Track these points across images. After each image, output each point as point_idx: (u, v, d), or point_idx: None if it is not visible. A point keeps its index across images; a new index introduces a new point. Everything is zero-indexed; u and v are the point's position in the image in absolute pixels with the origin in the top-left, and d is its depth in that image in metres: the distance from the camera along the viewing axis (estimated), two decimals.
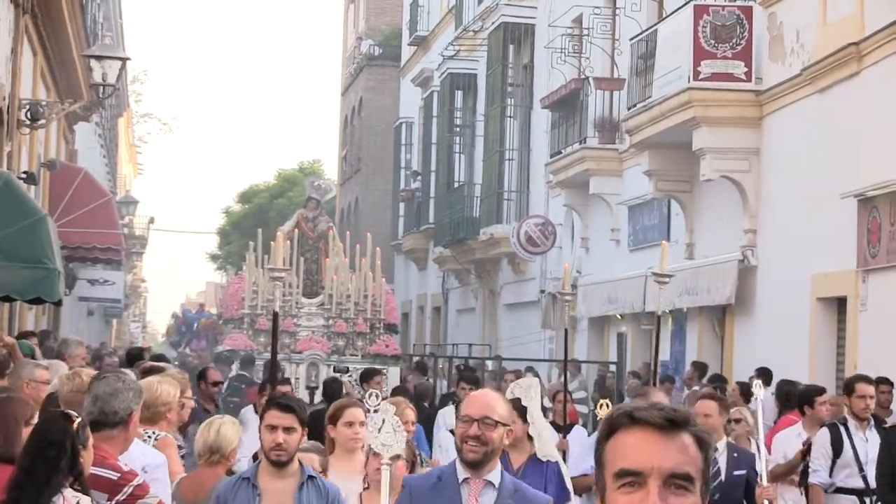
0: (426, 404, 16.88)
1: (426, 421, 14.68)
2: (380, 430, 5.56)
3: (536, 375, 20.33)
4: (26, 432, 6.31)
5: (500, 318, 32.41)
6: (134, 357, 21.04)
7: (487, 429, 5.73)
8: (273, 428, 6.75)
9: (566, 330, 12.20)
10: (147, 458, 6.97)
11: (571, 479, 9.31)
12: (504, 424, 5.81)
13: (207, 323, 47.40)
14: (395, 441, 5.70)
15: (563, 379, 14.29)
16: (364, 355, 20.51)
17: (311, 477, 6.80)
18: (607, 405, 8.79)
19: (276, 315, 9.98)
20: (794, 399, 13.70)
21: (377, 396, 8.26)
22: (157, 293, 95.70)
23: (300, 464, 6.86)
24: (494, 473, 5.82)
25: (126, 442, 6.57)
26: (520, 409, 8.21)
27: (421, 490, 5.80)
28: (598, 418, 8.93)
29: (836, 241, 16.16)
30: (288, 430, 6.74)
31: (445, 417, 14.26)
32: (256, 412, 13.17)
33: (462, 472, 5.76)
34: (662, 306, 10.57)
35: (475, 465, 5.73)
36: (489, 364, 26.46)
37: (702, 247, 20.79)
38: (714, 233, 20.31)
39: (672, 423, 2.83)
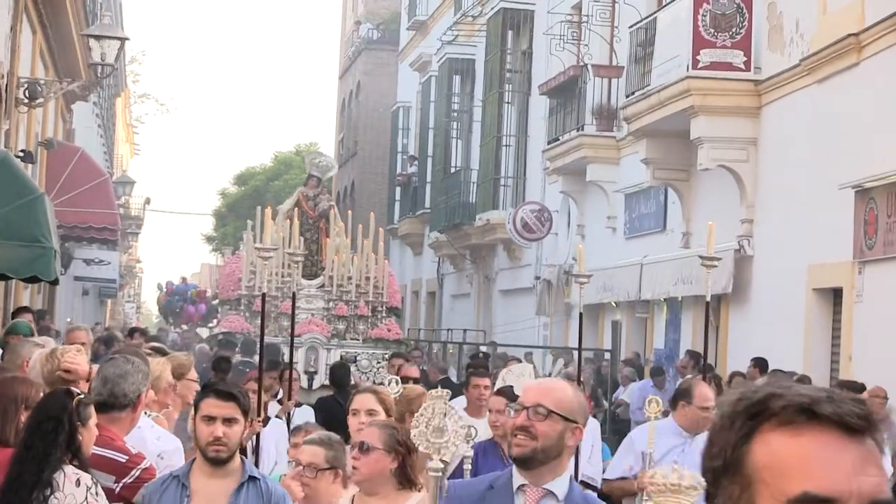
0: None
1: None
2: (428, 423, 4.49)
3: (531, 362, 20.19)
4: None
5: (494, 304, 32.43)
6: (106, 341, 20.89)
7: (538, 418, 4.65)
8: (210, 419, 5.83)
9: (580, 314, 11.57)
10: (163, 443, 6.91)
11: (608, 481, 8.94)
12: (567, 419, 4.66)
13: (200, 291, 47.30)
14: (451, 438, 4.60)
15: (568, 367, 14.11)
16: (365, 339, 19.84)
17: (252, 478, 5.91)
18: (657, 402, 8.04)
19: (263, 296, 9.87)
20: None
21: (397, 383, 7.55)
22: (152, 273, 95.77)
23: (242, 461, 6.00)
24: (560, 482, 4.72)
25: (132, 423, 6.56)
26: (512, 397, 7.81)
27: (467, 499, 4.79)
28: (646, 416, 8.28)
29: (832, 231, 16.17)
30: (229, 421, 5.83)
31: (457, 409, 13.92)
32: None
33: (518, 478, 4.69)
34: (711, 290, 10.25)
35: (525, 464, 4.67)
36: (483, 350, 26.45)
37: (698, 236, 20.78)
38: (711, 222, 20.28)
39: (867, 424, 1.98)
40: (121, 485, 6.14)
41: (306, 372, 18.50)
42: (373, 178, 46.17)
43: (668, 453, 8.56)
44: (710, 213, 20.32)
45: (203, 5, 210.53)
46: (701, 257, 9.81)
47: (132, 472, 6.17)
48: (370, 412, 6.97)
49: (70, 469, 5.61)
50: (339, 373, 14.56)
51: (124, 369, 6.55)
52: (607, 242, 24.71)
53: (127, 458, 6.21)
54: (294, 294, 9.61)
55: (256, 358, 18.98)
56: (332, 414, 11.51)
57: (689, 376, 17.89)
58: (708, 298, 10.24)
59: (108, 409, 6.30)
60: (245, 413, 5.94)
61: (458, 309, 35.86)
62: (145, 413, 7.47)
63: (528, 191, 29.78)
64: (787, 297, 17.56)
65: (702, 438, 8.70)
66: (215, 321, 34.76)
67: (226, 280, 20.96)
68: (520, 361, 16.34)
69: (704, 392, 8.74)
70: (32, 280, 12.63)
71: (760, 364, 16.51)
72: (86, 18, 21.68)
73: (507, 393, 8.66)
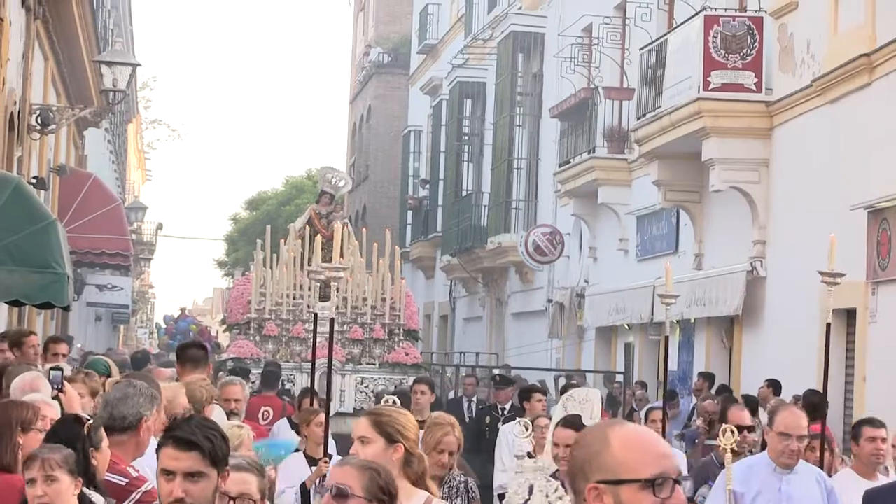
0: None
1: None
2: None
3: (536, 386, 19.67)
4: (27, 437, 6.35)
5: (507, 326, 32.39)
6: (139, 362, 20.71)
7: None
8: (168, 474, 4.59)
9: (666, 337, 10.66)
10: None
11: None
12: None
13: (202, 329, 47.08)
14: None
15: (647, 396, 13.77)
16: (382, 364, 18.80)
17: None
18: (732, 431, 7.23)
19: (332, 322, 9.24)
20: (821, 409, 13.56)
21: (395, 403, 6.23)
22: (164, 299, 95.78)
23: None
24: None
25: (138, 447, 6.55)
26: (581, 427, 6.94)
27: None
28: (718, 448, 7.61)
29: (845, 252, 16.08)
30: (191, 476, 4.58)
31: (508, 436, 12.77)
32: (292, 426, 12.32)
33: None
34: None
35: None
36: (497, 373, 26.37)
37: (710, 257, 20.76)
38: (723, 243, 20.28)
39: None
40: None
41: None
42: (384, 201, 46.20)
43: (760, 494, 7.62)
44: (722, 234, 20.32)
45: (214, 31, 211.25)
46: (822, 273, 9.09)
47: (132, 496, 6.17)
48: (362, 439, 5.80)
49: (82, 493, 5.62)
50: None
51: (125, 392, 6.55)
52: (619, 264, 24.68)
53: (127, 481, 6.22)
54: (322, 316, 9.24)
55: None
56: None
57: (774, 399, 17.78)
58: (829, 319, 9.56)
59: (109, 433, 6.30)
60: (216, 463, 4.63)
61: (471, 332, 35.82)
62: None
63: (540, 214, 29.78)
64: (800, 318, 17.50)
65: (805, 472, 7.70)
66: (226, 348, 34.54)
67: (234, 303, 19.92)
68: (576, 385, 15.54)
69: (796, 414, 7.77)
70: (46, 306, 12.65)
71: (774, 385, 16.46)
72: (97, 45, 21.75)
73: (576, 423, 7.40)
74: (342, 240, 19.86)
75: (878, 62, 15.63)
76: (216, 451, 4.60)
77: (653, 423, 11.01)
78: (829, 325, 9.60)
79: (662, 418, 11.34)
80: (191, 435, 4.58)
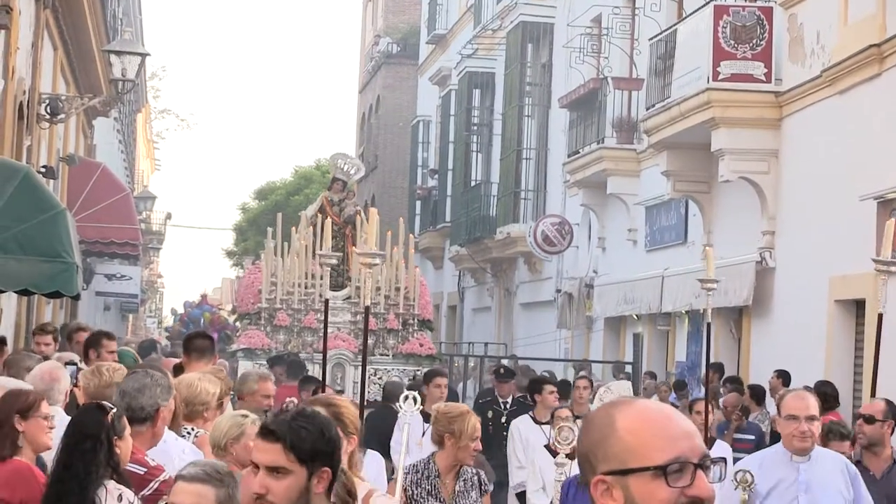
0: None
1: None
2: None
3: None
4: (28, 424, 6.39)
5: (515, 317, 32.39)
6: (146, 351, 20.74)
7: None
8: (255, 467, 4.20)
9: (708, 325, 10.41)
10: (188, 457, 6.93)
11: None
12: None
13: (214, 318, 47.07)
14: None
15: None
16: (395, 355, 18.58)
17: None
18: (751, 475, 7.04)
19: (368, 310, 9.23)
20: (833, 401, 13.55)
21: (415, 400, 5.97)
22: (173, 288, 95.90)
23: None
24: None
25: (154, 437, 6.60)
26: None
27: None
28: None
29: (854, 243, 16.09)
30: (274, 471, 4.14)
31: (520, 429, 12.60)
32: None
33: None
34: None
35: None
36: (505, 363, 26.37)
37: (719, 248, 20.68)
38: (732, 234, 20.26)
39: None
40: (139, 497, 6.18)
41: (333, 390, 17.42)
42: (393, 192, 46.20)
43: (776, 486, 7.42)
44: (731, 225, 20.29)
45: (223, 21, 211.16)
46: (874, 260, 8.93)
47: (150, 485, 6.21)
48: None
49: (112, 485, 5.64)
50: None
51: (143, 383, 6.59)
52: (628, 255, 24.67)
53: (145, 470, 6.26)
54: (326, 302, 9.27)
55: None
56: None
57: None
58: (881, 309, 9.45)
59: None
60: (304, 460, 4.11)
61: (479, 322, 35.83)
62: (191, 430, 7.50)
63: (549, 204, 29.77)
64: (809, 309, 17.49)
65: (825, 459, 7.55)
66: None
67: (245, 292, 19.79)
68: (585, 377, 15.28)
69: (810, 401, 7.55)
70: (55, 295, 12.65)
71: (784, 376, 16.44)
72: (106, 34, 21.78)
73: None
74: (362, 226, 19.52)
75: (888, 53, 15.59)
76: (303, 446, 4.11)
77: (698, 413, 10.86)
78: (881, 316, 9.63)
79: (705, 409, 11.20)
80: (276, 425, 4.16)
